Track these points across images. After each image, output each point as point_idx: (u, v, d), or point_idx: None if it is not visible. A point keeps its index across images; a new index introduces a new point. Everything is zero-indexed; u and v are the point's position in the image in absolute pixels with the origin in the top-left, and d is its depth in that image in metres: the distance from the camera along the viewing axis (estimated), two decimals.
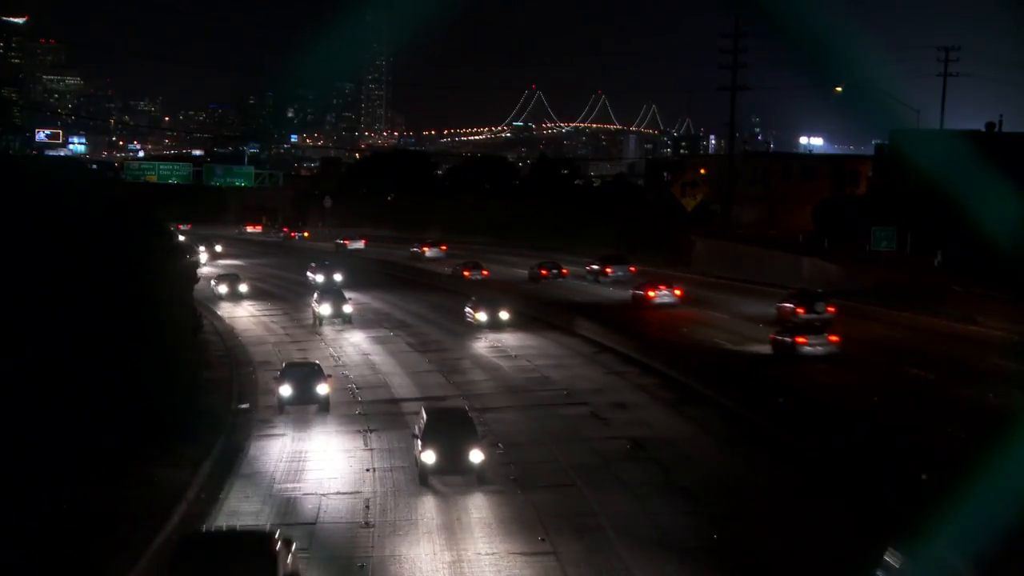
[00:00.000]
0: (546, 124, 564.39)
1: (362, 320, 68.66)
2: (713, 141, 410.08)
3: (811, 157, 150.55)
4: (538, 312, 67.92)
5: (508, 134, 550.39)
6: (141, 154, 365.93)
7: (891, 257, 75.91)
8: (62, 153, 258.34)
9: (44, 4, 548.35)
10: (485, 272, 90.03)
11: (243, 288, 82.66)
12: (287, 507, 31.29)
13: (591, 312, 66.37)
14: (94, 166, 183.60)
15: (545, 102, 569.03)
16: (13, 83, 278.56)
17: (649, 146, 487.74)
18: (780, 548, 27.47)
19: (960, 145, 67.64)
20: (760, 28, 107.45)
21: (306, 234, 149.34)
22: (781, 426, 37.86)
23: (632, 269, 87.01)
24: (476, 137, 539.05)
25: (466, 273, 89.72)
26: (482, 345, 59.18)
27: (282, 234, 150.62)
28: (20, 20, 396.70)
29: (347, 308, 66.87)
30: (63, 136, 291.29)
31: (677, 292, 71.31)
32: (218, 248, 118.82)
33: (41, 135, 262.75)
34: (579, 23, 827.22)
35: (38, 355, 30.69)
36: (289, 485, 33.54)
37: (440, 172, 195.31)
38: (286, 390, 43.34)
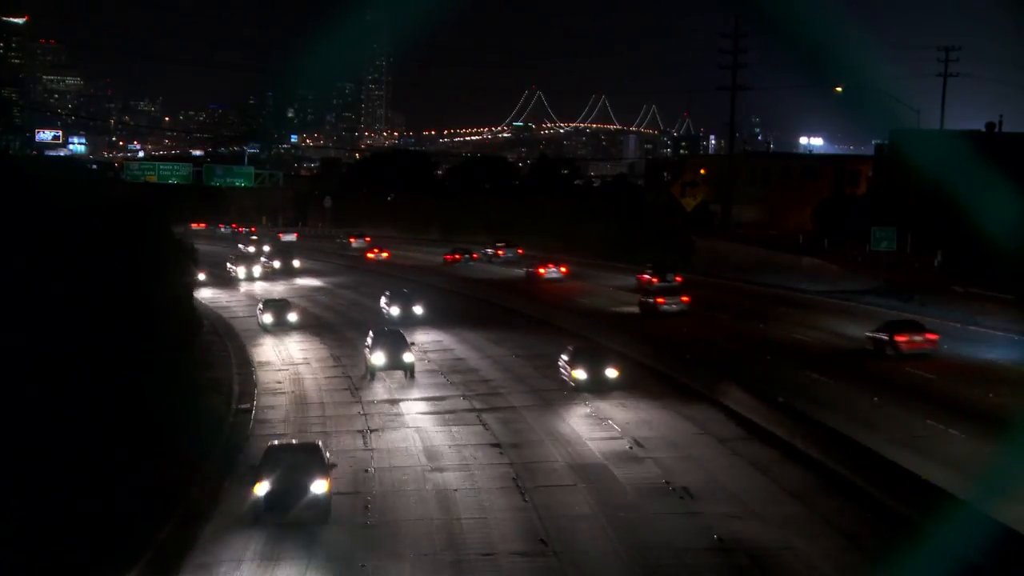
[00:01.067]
0: (546, 124, 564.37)
1: (426, 373, 50.86)
2: (713, 141, 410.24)
3: (811, 157, 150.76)
4: (451, 285, 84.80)
5: (508, 134, 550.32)
6: (141, 154, 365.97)
7: (891, 257, 75.93)
8: (62, 153, 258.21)
9: (44, 4, 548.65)
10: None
11: (292, 317, 67.21)
12: None
13: (496, 286, 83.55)
14: (94, 166, 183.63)
15: (545, 102, 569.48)
16: (13, 83, 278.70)
17: (649, 146, 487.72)
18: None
19: (960, 145, 67.71)
20: (760, 28, 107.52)
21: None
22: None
23: (520, 251, 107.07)
24: (476, 137, 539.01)
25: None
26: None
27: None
28: (20, 20, 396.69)
29: (407, 357, 49.45)
30: (63, 136, 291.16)
31: (563, 269, 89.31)
32: (296, 263, 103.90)
33: (41, 135, 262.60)
34: (579, 23, 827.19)
35: (37, 355, 30.69)
36: None
37: (440, 172, 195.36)
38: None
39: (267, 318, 66.73)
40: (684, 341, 54.97)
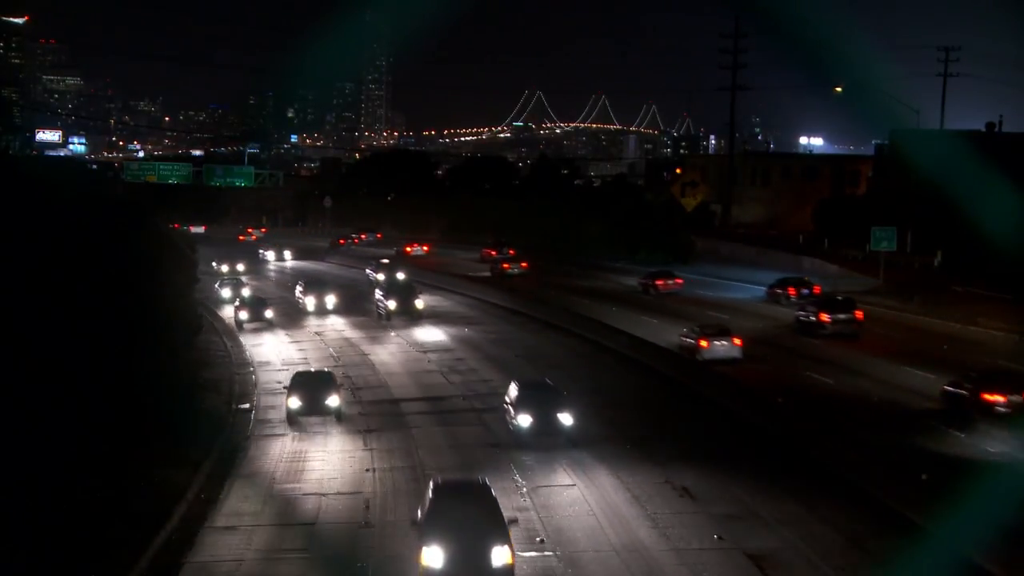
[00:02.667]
0: (546, 124, 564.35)
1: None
2: (713, 141, 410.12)
3: (811, 157, 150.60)
4: (349, 260, 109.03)
5: (508, 134, 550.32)
6: (141, 154, 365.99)
7: (891, 257, 75.97)
8: (62, 153, 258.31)
9: (44, 4, 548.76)
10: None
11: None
12: (287, 507, 31.28)
13: (373, 256, 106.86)
14: (94, 166, 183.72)
15: (545, 102, 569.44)
16: (13, 83, 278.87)
17: (649, 146, 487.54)
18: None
19: (960, 145, 67.70)
20: (760, 28, 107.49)
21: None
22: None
23: (379, 236, 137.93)
24: (476, 137, 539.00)
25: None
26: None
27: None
28: (20, 20, 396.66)
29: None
30: (63, 136, 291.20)
31: (424, 248, 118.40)
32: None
33: (41, 135, 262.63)
34: (579, 23, 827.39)
35: (38, 355, 30.70)
36: (289, 485, 33.51)
37: (440, 172, 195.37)
38: None
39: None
40: (526, 289, 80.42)
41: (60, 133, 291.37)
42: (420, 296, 69.02)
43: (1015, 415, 35.85)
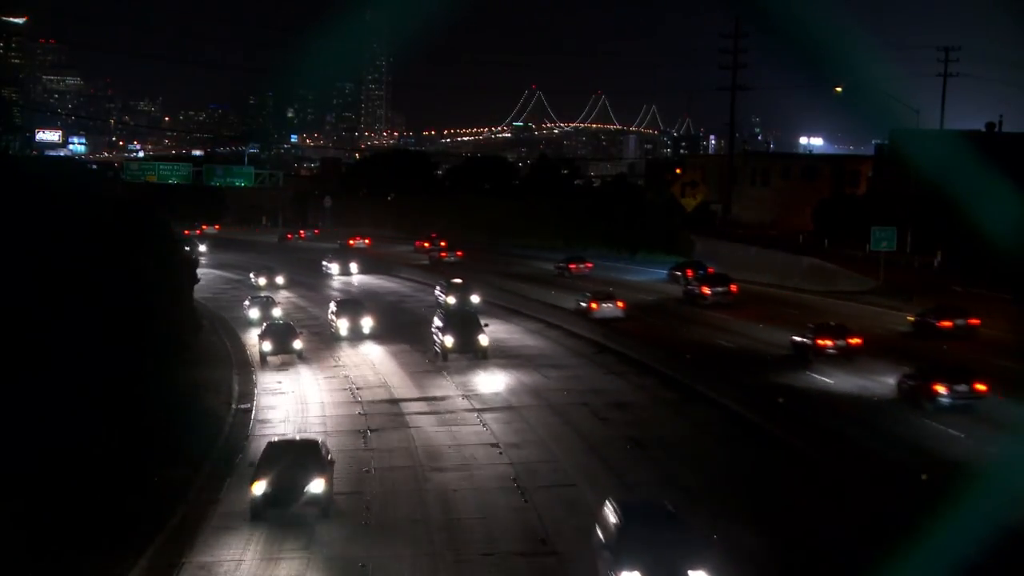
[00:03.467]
0: (546, 124, 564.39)
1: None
2: (713, 141, 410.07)
3: (811, 157, 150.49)
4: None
5: (508, 134, 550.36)
6: (141, 154, 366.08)
7: (891, 257, 75.95)
8: (62, 153, 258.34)
9: (44, 4, 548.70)
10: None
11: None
12: None
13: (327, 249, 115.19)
14: (94, 166, 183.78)
15: (545, 102, 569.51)
16: (13, 83, 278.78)
17: (649, 146, 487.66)
18: None
19: (960, 145, 67.64)
20: (760, 28, 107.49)
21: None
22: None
23: (316, 231, 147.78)
24: (476, 137, 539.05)
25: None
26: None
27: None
28: (20, 20, 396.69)
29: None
30: (63, 136, 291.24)
31: (367, 241, 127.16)
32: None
33: (41, 135, 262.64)
34: (579, 23, 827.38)
35: (39, 356, 30.70)
36: None
37: (440, 172, 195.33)
38: None
39: None
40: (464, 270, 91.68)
41: (60, 133, 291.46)
42: (485, 329, 54.18)
43: (840, 355, 50.11)
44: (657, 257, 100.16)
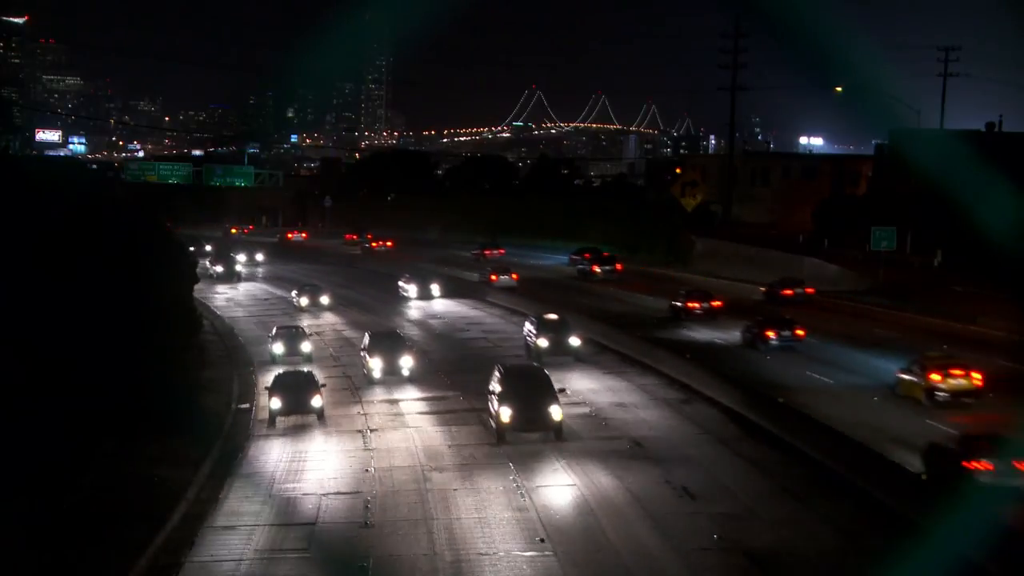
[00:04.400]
0: (546, 124, 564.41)
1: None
2: (713, 141, 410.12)
3: (811, 157, 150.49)
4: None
5: (508, 134, 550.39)
6: (141, 154, 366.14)
7: (891, 257, 75.95)
8: (62, 153, 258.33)
9: (44, 4, 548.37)
10: None
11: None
12: (287, 507, 31.26)
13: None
14: (94, 166, 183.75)
15: (545, 102, 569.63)
16: (13, 83, 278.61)
17: (649, 146, 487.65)
18: None
19: (960, 145, 67.64)
20: (760, 28, 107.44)
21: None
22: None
23: (250, 228, 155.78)
24: (476, 137, 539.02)
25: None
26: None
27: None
28: (20, 20, 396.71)
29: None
30: (63, 136, 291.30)
31: (304, 235, 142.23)
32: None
33: (41, 135, 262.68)
34: (579, 23, 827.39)
35: (38, 355, 30.69)
36: (289, 485, 33.50)
37: (440, 172, 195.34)
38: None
39: None
40: (389, 261, 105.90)
41: (60, 133, 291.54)
42: (564, 393, 40.44)
43: (704, 315, 64.48)
44: (656, 257, 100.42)
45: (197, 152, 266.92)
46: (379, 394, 46.50)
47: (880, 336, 56.69)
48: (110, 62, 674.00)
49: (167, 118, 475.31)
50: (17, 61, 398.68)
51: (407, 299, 79.04)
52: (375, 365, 48.73)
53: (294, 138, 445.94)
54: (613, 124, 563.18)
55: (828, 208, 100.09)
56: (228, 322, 70.63)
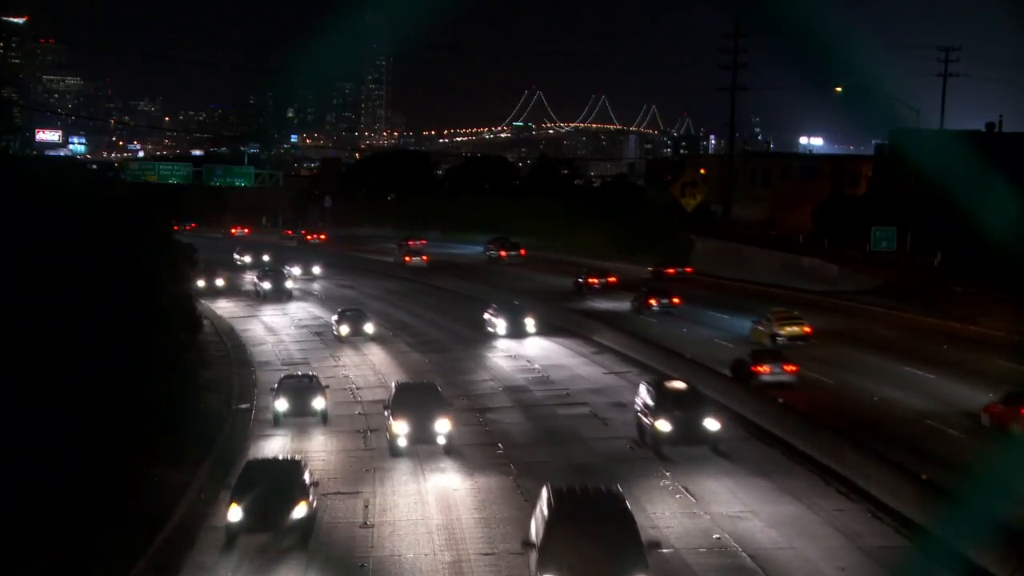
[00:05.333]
0: (546, 124, 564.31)
1: None
2: (713, 141, 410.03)
3: (811, 157, 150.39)
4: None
5: (508, 134, 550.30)
6: (141, 154, 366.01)
7: (891, 257, 75.94)
8: (62, 153, 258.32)
9: (44, 4, 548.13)
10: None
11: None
12: None
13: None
14: (94, 166, 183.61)
15: (545, 102, 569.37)
16: (13, 83, 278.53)
17: (649, 146, 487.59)
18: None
19: (960, 145, 67.62)
20: (760, 28, 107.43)
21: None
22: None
23: (192, 225, 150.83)
24: (476, 137, 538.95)
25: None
26: None
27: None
28: (20, 20, 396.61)
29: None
30: (63, 136, 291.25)
31: (246, 231, 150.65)
32: None
33: (41, 135, 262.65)
34: (579, 23, 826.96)
35: (38, 356, 30.68)
36: None
37: (440, 172, 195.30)
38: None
39: None
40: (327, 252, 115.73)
41: (60, 133, 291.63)
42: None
43: (602, 289, 79.33)
44: (656, 257, 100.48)
45: (197, 152, 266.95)
46: (403, 483, 33.51)
47: (739, 303, 68.82)
48: (110, 62, 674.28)
49: (167, 118, 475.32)
50: (17, 61, 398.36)
51: (493, 335, 61.30)
52: (399, 429, 36.36)
53: (294, 138, 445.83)
54: (613, 124, 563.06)
55: (828, 208, 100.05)
56: (252, 352, 59.54)
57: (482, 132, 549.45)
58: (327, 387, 43.29)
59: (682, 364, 47.22)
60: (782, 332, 54.87)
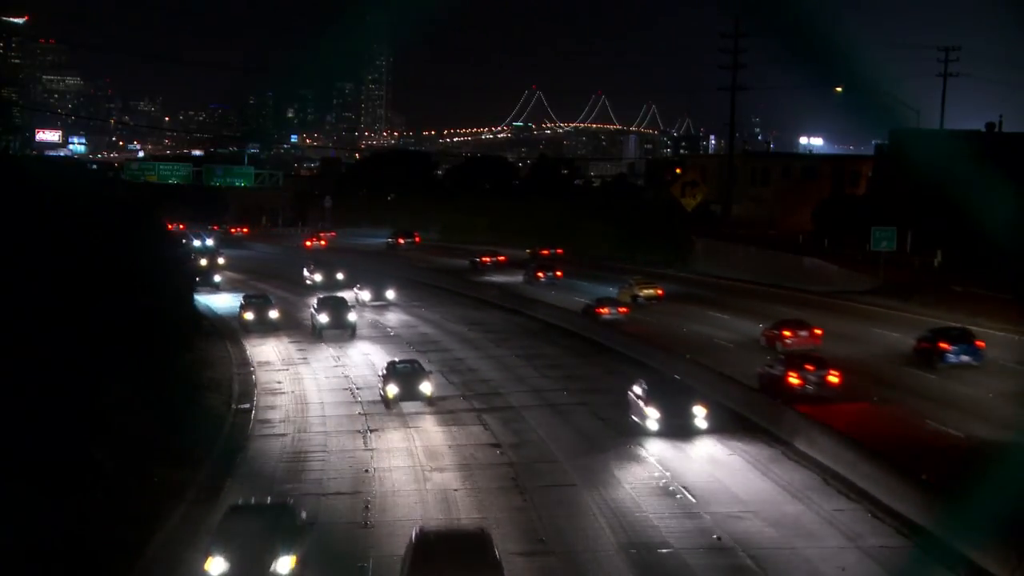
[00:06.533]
0: (546, 124, 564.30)
1: None
2: (713, 141, 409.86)
3: (811, 157, 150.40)
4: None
5: (508, 134, 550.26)
6: (141, 154, 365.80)
7: (891, 257, 75.90)
8: (62, 153, 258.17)
9: (44, 4, 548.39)
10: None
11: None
12: None
13: None
14: (94, 166, 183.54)
15: (545, 102, 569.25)
16: (13, 83, 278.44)
17: (649, 146, 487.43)
18: None
19: (960, 145, 67.64)
20: (760, 28, 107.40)
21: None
22: None
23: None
24: (476, 137, 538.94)
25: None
26: None
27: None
28: (20, 20, 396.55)
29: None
30: (63, 136, 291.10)
31: (181, 226, 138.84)
32: None
33: (41, 135, 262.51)
34: (579, 23, 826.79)
35: (38, 356, 30.69)
36: (289, 485, 33.47)
37: (440, 172, 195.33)
38: None
39: None
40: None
41: (60, 133, 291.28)
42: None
43: (494, 267, 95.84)
44: (656, 257, 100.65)
45: (197, 152, 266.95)
46: None
47: (606, 278, 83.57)
48: (110, 62, 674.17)
49: (167, 118, 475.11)
50: (17, 61, 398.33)
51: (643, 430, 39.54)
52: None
53: (294, 138, 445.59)
54: (613, 124, 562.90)
55: (828, 208, 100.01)
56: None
57: (482, 132, 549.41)
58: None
59: (546, 308, 69.60)
60: (641, 293, 72.91)
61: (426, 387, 44.00)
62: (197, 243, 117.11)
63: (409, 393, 43.61)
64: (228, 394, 47.02)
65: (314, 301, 66.01)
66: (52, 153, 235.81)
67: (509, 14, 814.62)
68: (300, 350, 59.30)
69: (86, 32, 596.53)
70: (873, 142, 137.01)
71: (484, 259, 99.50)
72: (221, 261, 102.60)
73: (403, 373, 44.62)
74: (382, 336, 63.09)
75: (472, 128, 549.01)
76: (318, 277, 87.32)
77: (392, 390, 43.62)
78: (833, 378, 41.91)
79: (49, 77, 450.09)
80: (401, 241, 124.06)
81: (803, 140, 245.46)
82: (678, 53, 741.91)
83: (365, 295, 75.28)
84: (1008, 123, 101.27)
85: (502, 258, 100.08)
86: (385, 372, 45.32)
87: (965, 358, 47.31)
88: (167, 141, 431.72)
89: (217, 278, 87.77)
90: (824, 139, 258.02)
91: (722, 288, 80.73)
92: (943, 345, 47.91)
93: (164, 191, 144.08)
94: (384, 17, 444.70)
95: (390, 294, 76.20)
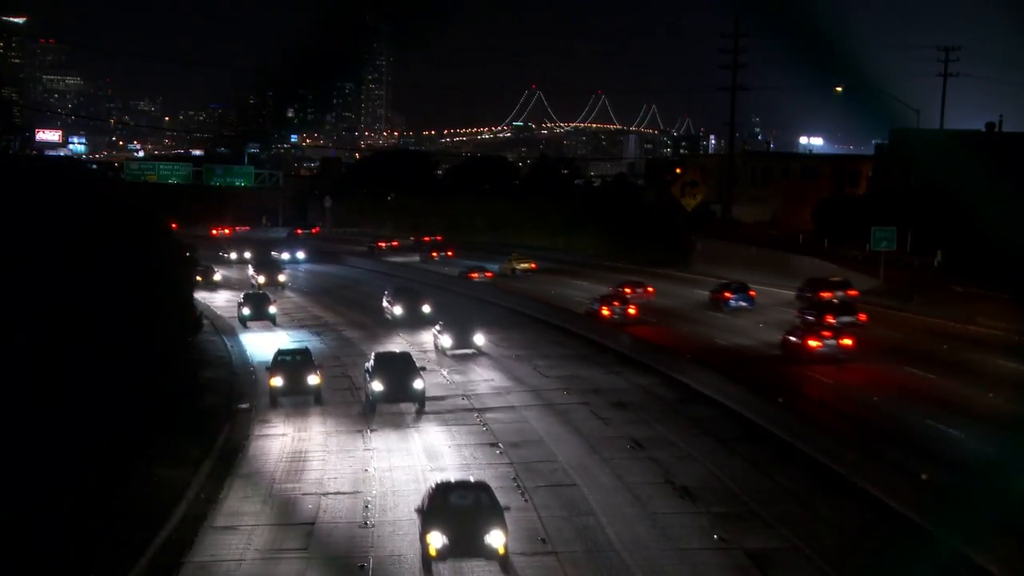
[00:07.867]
0: (546, 124, 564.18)
1: None
2: (713, 141, 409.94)
3: (811, 157, 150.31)
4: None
5: (508, 134, 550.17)
6: (141, 154, 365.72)
7: (891, 257, 75.89)
8: (62, 153, 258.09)
9: (44, 4, 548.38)
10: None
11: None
12: (287, 507, 31.28)
13: None
14: (94, 166, 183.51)
15: (545, 102, 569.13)
16: (13, 83, 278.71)
17: (649, 146, 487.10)
18: None
19: (960, 145, 67.66)
20: (760, 28, 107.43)
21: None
22: None
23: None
24: (476, 137, 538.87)
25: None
26: None
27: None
28: (20, 20, 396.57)
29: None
30: (63, 136, 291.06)
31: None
32: None
33: (41, 135, 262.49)
34: (579, 23, 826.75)
35: (38, 355, 30.68)
36: (289, 485, 33.51)
37: (440, 172, 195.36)
38: None
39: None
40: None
41: (60, 133, 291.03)
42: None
43: (388, 251, 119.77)
44: (656, 257, 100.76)
45: (197, 152, 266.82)
46: None
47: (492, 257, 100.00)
48: (110, 62, 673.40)
49: (167, 118, 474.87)
50: (17, 61, 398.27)
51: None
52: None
53: (294, 138, 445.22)
54: (613, 124, 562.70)
55: (828, 208, 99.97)
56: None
57: (482, 132, 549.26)
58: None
59: (436, 276, 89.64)
60: (519, 267, 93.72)
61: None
62: (286, 255, 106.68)
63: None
64: (228, 394, 47.01)
65: (371, 357, 45.93)
66: (52, 153, 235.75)
67: (509, 14, 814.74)
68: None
69: (86, 32, 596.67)
70: (873, 142, 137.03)
71: (380, 244, 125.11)
72: (282, 279, 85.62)
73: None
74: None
75: (472, 128, 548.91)
76: (398, 310, 66.34)
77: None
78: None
79: (49, 77, 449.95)
80: (299, 232, 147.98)
81: (803, 140, 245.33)
82: (678, 53, 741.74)
83: (446, 340, 55.54)
84: (1008, 123, 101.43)
85: (396, 243, 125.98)
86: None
87: (743, 304, 67.06)
88: (167, 141, 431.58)
89: (273, 309, 66.94)
90: (824, 139, 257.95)
91: (590, 265, 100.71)
92: (727, 294, 68.12)
93: (164, 191, 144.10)
94: (384, 17, 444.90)
95: (479, 339, 55.74)
